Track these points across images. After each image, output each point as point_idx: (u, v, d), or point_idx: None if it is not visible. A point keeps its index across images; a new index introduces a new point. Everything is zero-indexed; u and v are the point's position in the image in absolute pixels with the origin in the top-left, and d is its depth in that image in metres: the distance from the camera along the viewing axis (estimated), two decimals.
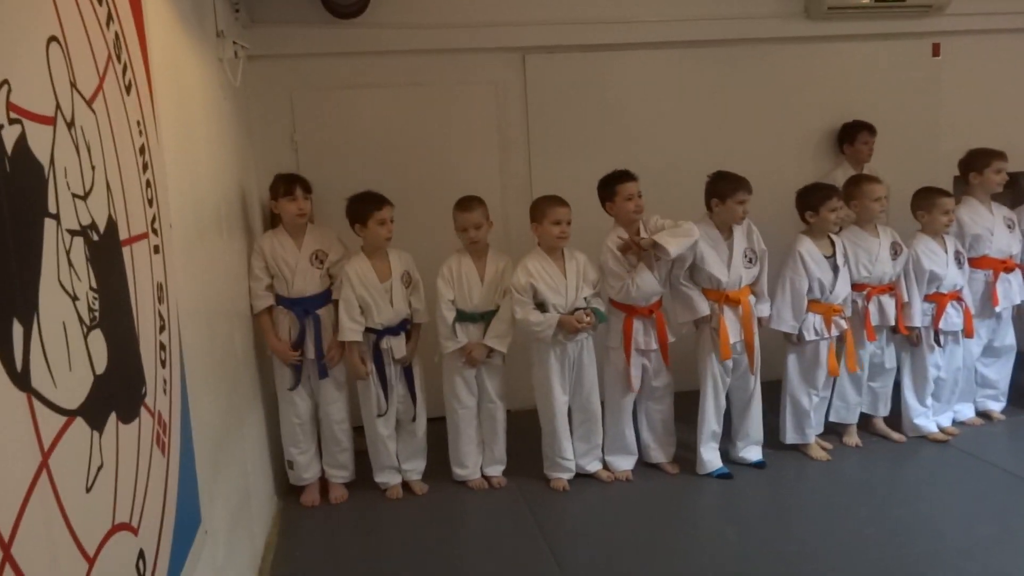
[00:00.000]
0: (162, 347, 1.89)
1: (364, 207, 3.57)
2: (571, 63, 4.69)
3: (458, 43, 4.51)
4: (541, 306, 3.58)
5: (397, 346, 3.66)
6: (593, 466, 3.82)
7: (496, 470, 3.84)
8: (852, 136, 4.79)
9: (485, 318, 3.65)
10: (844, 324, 3.80)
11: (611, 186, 3.65)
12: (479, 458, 3.83)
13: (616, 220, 3.70)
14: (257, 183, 4.01)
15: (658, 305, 3.70)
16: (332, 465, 3.75)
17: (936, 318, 3.99)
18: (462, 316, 3.63)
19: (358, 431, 4.02)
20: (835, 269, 3.79)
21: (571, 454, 3.78)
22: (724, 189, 3.66)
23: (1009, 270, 4.15)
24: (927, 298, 4.00)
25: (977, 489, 3.61)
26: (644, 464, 3.88)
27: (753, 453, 3.86)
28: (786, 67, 4.93)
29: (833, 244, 3.85)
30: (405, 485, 3.81)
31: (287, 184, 3.55)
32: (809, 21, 4.82)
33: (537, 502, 3.60)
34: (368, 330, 3.62)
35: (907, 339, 4.05)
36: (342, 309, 3.55)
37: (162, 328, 1.91)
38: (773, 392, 3.99)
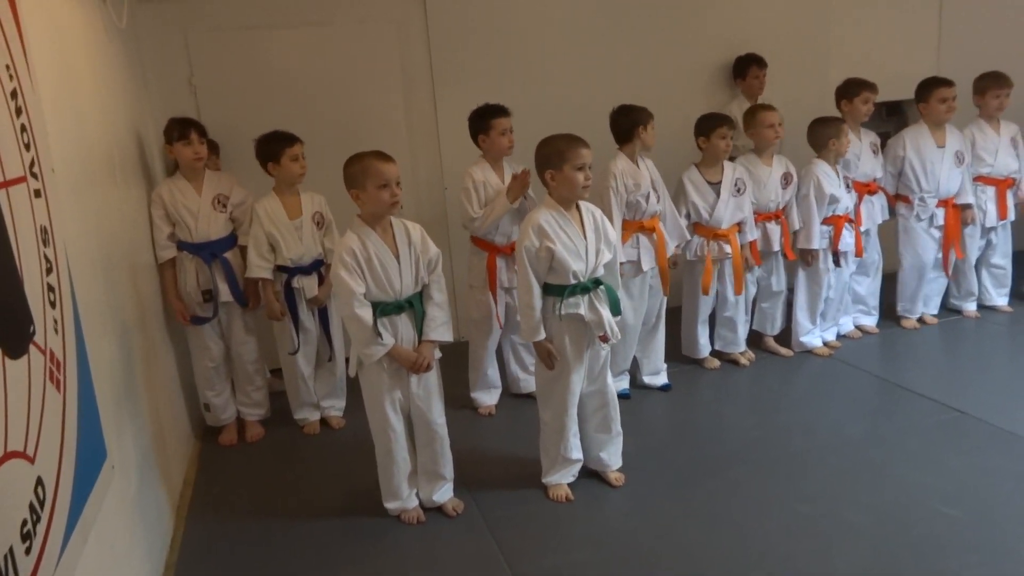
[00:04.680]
0: (50, 288, 1.93)
1: (277, 144, 3.60)
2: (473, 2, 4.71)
3: None
4: (554, 274, 2.93)
5: (309, 286, 3.72)
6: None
7: (445, 494, 3.10)
8: (744, 70, 4.99)
9: (413, 304, 2.88)
10: (728, 249, 4.04)
11: (485, 119, 3.72)
12: (414, 487, 3.07)
13: (485, 154, 3.77)
14: (156, 130, 3.95)
15: None
16: (247, 404, 3.85)
17: (835, 239, 4.26)
18: (384, 310, 2.83)
19: (274, 373, 4.13)
20: (719, 195, 4.00)
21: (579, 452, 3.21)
22: (637, 118, 3.73)
23: (872, 192, 4.46)
24: (824, 221, 4.24)
25: (852, 395, 3.96)
26: (514, 396, 4.06)
27: (658, 379, 4.10)
28: (681, 2, 5.06)
29: (723, 171, 4.05)
30: (323, 421, 3.93)
31: (181, 128, 3.52)
32: None
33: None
34: (280, 269, 3.66)
35: (803, 261, 4.30)
36: (250, 246, 3.59)
37: (49, 270, 1.95)
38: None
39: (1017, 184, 4.72)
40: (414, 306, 2.88)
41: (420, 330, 2.90)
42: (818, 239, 4.23)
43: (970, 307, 4.83)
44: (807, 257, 4.27)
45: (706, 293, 4.10)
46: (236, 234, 3.72)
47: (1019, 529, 2.72)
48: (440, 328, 2.92)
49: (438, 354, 2.98)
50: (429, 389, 2.96)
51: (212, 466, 3.62)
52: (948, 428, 3.49)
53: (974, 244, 4.74)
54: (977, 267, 4.83)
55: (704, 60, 5.15)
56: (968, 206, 4.61)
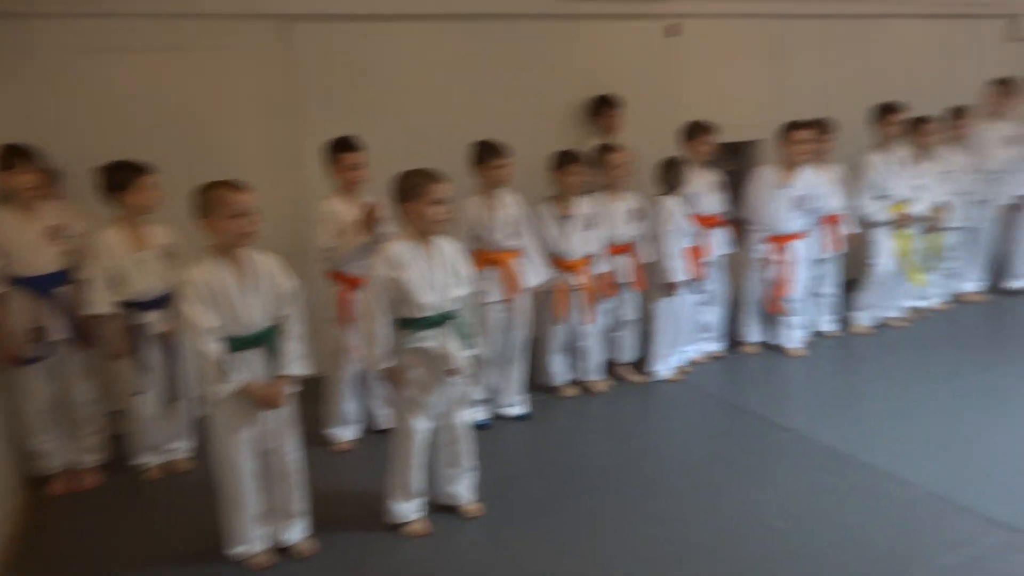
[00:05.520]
0: None
1: (126, 173, 3.43)
2: (340, 33, 4.71)
3: (214, 8, 4.37)
4: (404, 306, 2.97)
5: (157, 321, 3.55)
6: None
7: (298, 534, 3.01)
8: (600, 109, 5.23)
9: (266, 339, 2.82)
10: (574, 280, 4.21)
11: (334, 153, 3.76)
12: (264, 528, 2.96)
13: (338, 186, 3.79)
14: None
15: None
16: (82, 450, 3.60)
17: (691, 269, 4.51)
18: (235, 344, 2.77)
19: (113, 415, 3.88)
20: (568, 229, 4.18)
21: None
22: (481, 155, 3.92)
23: (715, 226, 4.77)
24: (680, 253, 4.46)
25: (699, 418, 4.20)
26: (374, 432, 3.98)
27: (516, 409, 4.18)
28: (543, 43, 5.26)
29: (576, 206, 4.22)
30: (169, 464, 3.73)
31: (9, 156, 3.32)
32: (560, 0, 5.18)
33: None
34: (124, 304, 3.48)
35: (664, 292, 4.50)
36: (91, 280, 3.40)
37: None
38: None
39: (843, 220, 5.16)
40: (268, 340, 2.82)
41: (277, 365, 2.84)
42: (681, 271, 4.46)
43: (804, 333, 5.21)
44: (670, 288, 4.49)
45: (559, 322, 4.26)
46: (73, 267, 3.50)
47: (837, 539, 2.96)
48: (296, 362, 2.88)
49: (295, 388, 2.92)
50: (283, 424, 2.90)
51: (42, 519, 3.35)
52: (782, 447, 3.76)
53: (808, 275, 5.13)
54: (810, 295, 5.23)
55: (566, 98, 5.35)
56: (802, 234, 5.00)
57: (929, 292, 5.62)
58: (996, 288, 5.99)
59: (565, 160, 4.14)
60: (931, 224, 5.31)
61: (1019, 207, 5.87)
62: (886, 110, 5.25)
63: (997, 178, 5.73)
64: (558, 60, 5.31)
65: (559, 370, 4.45)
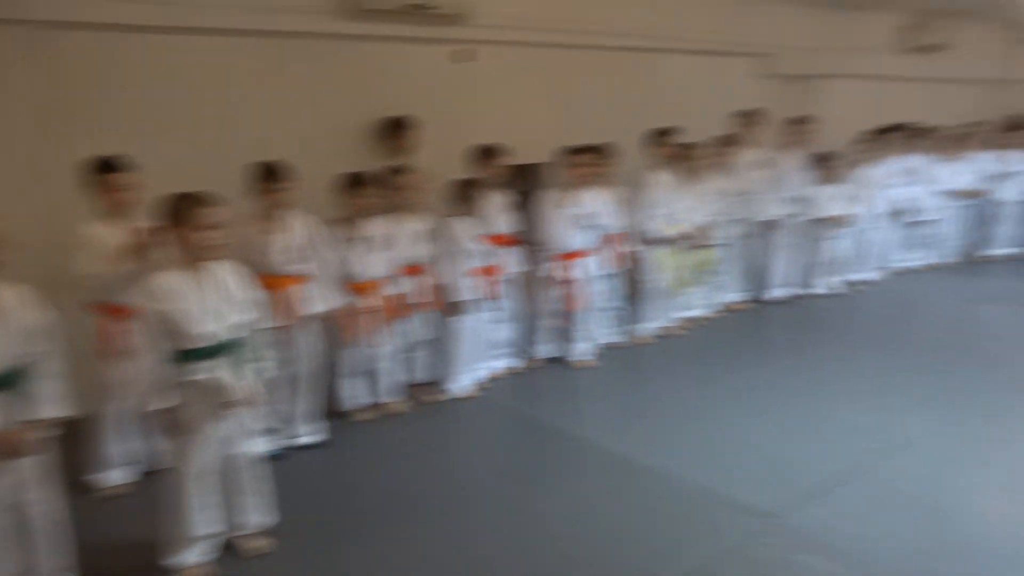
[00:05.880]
0: None
1: None
2: (109, 44, 4.33)
3: None
4: (177, 338, 2.79)
5: None
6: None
7: None
8: (393, 130, 5.25)
9: (12, 379, 2.55)
10: (366, 302, 4.21)
11: (97, 173, 3.49)
12: None
13: (103, 210, 3.52)
14: None
15: None
16: None
17: (485, 287, 4.62)
18: None
19: None
20: (359, 250, 4.18)
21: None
22: (261, 177, 3.81)
23: (508, 244, 4.95)
24: (469, 272, 4.57)
25: (498, 433, 4.33)
26: (150, 473, 3.65)
27: (311, 436, 4.06)
28: (335, 63, 5.18)
29: (368, 226, 4.22)
30: None
31: None
32: (350, 20, 5.14)
33: None
34: None
35: (452, 311, 4.58)
36: None
37: None
38: None
39: (625, 238, 5.54)
40: (13, 381, 2.54)
41: (25, 408, 2.57)
42: (465, 290, 4.55)
43: (593, 346, 5.51)
44: (456, 307, 4.57)
45: (351, 345, 4.22)
46: None
47: (616, 538, 3.17)
48: (50, 404, 2.62)
49: (52, 432, 2.65)
50: (33, 474, 2.61)
51: None
52: (571, 456, 3.95)
53: (593, 290, 5.45)
54: (597, 310, 5.55)
55: (358, 119, 5.30)
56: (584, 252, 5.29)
57: (702, 303, 6.18)
58: (756, 298, 6.71)
59: (355, 181, 4.12)
60: (699, 241, 5.85)
61: (772, 225, 6.62)
62: (660, 135, 5.74)
63: (752, 199, 6.44)
64: (351, 81, 5.26)
65: (354, 394, 4.38)
